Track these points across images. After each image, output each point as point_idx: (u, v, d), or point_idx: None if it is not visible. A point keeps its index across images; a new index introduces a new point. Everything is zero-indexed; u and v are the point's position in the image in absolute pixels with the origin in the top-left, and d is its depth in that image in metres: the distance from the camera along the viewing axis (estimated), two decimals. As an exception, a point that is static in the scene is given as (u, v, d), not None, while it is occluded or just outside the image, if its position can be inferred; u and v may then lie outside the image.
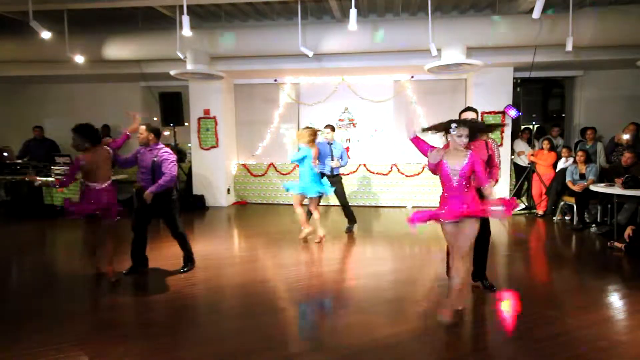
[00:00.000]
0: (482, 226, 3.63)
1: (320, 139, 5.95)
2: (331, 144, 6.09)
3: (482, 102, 7.75)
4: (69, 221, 7.10)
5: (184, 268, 4.49)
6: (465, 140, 3.17)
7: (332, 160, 5.92)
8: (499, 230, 6.53)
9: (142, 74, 8.12)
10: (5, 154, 8.18)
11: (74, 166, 4.13)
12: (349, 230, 6.24)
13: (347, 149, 8.68)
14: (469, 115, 3.72)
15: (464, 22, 6.63)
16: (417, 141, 3.41)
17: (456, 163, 3.19)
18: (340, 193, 6.10)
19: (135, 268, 4.41)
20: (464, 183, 3.19)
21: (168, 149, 4.37)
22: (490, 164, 3.76)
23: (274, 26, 7.27)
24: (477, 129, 3.25)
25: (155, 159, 4.23)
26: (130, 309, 3.61)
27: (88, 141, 4.09)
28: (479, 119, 7.80)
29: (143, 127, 4.32)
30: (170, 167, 4.21)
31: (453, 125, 3.19)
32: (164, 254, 5.03)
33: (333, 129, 6.24)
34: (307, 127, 5.70)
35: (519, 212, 7.63)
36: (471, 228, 3.20)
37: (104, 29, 7.30)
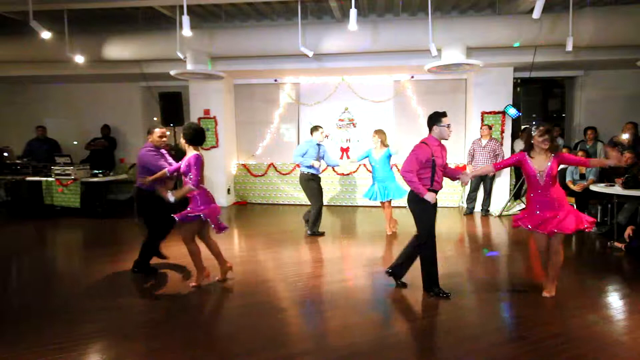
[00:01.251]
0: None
1: (318, 138, 5.96)
2: (320, 144, 6.04)
3: (482, 102, 7.76)
4: (69, 221, 7.19)
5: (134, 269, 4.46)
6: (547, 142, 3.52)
7: (318, 160, 5.93)
8: (499, 230, 6.53)
9: (142, 74, 8.12)
10: (5, 154, 8.18)
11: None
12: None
13: (348, 149, 8.70)
14: (448, 120, 3.75)
15: (464, 22, 6.63)
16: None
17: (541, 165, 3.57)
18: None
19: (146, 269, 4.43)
20: (550, 183, 3.55)
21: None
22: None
23: (274, 26, 7.27)
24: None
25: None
26: (131, 309, 3.60)
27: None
28: (480, 121, 7.84)
29: (164, 129, 4.42)
30: None
31: (533, 129, 3.60)
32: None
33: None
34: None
35: (519, 212, 7.62)
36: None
37: (104, 29, 7.30)
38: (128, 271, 4.47)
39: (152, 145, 4.38)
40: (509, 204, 7.76)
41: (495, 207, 7.65)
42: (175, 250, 4.90)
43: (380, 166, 5.97)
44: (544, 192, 3.57)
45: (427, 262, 3.74)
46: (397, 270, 3.91)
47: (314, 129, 6.02)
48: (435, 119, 3.71)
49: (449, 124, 3.69)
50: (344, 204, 8.51)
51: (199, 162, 3.83)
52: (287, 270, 4.62)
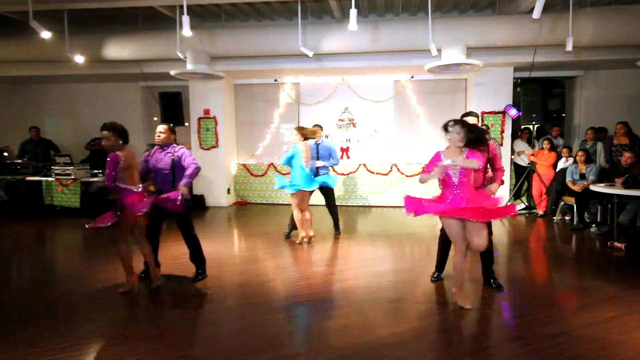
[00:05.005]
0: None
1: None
2: (318, 144, 5.86)
3: (482, 102, 7.76)
4: (69, 221, 7.18)
5: (198, 277, 4.23)
6: (462, 138, 3.27)
7: (317, 160, 5.73)
8: (498, 230, 6.53)
9: (142, 74, 8.12)
10: (5, 154, 8.18)
11: (113, 163, 3.72)
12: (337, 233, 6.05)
13: (348, 149, 8.70)
14: (471, 120, 3.77)
15: (464, 22, 6.63)
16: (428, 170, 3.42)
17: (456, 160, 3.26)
18: (328, 194, 5.99)
19: (147, 272, 4.21)
20: (464, 180, 3.29)
21: (184, 147, 4.21)
22: (494, 167, 3.85)
23: (274, 26, 7.28)
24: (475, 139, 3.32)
25: (174, 158, 4.06)
26: (130, 310, 3.60)
27: (122, 139, 3.77)
28: (480, 121, 7.84)
29: (165, 127, 4.16)
30: (194, 159, 4.07)
31: (450, 122, 3.32)
32: (164, 254, 5.00)
33: (321, 128, 6.07)
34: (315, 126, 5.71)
35: (519, 212, 7.64)
36: (482, 228, 3.30)
37: (104, 29, 7.30)
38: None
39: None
40: (509, 204, 7.76)
41: (495, 207, 7.64)
42: (174, 250, 4.90)
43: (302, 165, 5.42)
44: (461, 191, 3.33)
45: None
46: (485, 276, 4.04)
47: None
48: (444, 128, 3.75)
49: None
50: (343, 204, 8.51)
51: (110, 161, 3.71)
52: (287, 270, 4.62)
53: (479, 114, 7.71)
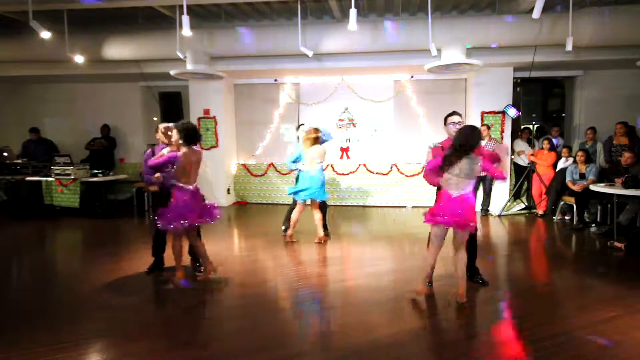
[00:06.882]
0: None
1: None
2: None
3: (482, 102, 7.76)
4: (69, 221, 7.19)
5: (200, 268, 4.44)
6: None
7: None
8: (498, 229, 6.54)
9: (142, 74, 8.12)
10: (5, 154, 8.18)
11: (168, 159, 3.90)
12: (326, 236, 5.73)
13: (348, 148, 8.70)
14: (456, 118, 3.78)
15: (464, 22, 6.63)
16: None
17: None
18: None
19: (156, 267, 4.49)
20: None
21: None
22: None
23: (274, 26, 7.27)
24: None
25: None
26: (130, 310, 3.60)
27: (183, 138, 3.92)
28: (480, 121, 7.82)
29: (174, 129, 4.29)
30: None
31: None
32: (166, 253, 5.01)
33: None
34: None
35: (519, 211, 7.64)
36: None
37: (104, 29, 7.30)
38: (128, 271, 4.48)
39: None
40: (508, 203, 7.77)
41: (495, 207, 7.65)
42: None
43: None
44: None
45: None
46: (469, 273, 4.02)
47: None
48: (444, 121, 3.87)
49: (454, 122, 3.75)
50: (342, 204, 8.51)
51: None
52: (286, 270, 4.62)
53: (479, 114, 7.77)
